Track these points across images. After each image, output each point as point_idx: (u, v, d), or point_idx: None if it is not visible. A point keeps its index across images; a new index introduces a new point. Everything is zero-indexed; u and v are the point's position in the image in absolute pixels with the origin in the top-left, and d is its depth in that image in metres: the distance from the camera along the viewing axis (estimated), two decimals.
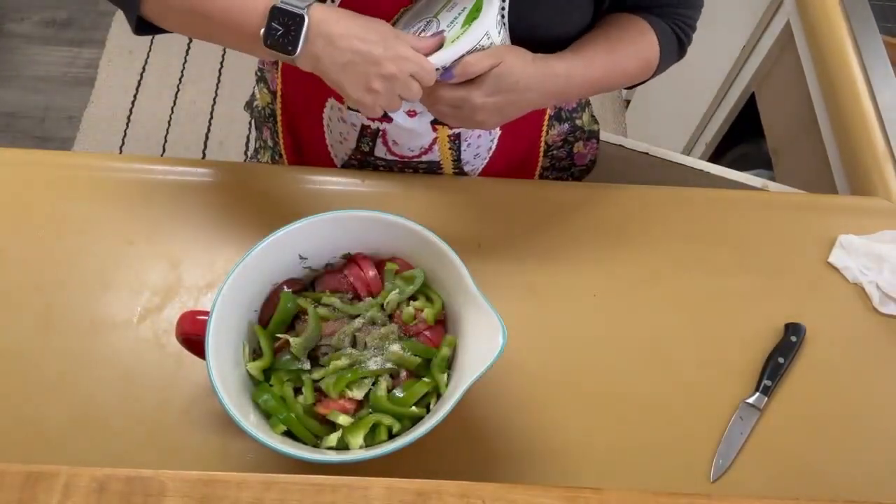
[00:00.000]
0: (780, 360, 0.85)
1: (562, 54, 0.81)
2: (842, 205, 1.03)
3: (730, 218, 0.98)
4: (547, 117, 1.01)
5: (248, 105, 1.13)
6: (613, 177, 1.16)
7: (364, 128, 0.94)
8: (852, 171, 1.08)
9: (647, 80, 0.91)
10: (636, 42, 0.85)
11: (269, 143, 1.11)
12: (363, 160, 1.00)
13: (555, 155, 1.07)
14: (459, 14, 0.76)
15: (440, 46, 0.74)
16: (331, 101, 0.94)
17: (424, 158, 0.98)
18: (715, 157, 1.72)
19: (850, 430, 0.83)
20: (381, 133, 0.95)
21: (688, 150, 1.82)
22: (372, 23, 0.72)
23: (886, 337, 0.90)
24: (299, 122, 1.03)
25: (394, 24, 0.78)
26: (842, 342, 0.89)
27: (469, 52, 0.74)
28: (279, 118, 1.04)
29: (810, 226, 0.98)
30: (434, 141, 0.95)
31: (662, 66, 0.89)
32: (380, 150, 0.97)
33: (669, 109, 1.94)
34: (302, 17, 0.67)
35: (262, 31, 0.68)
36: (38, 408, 0.79)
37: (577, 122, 1.05)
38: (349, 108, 0.93)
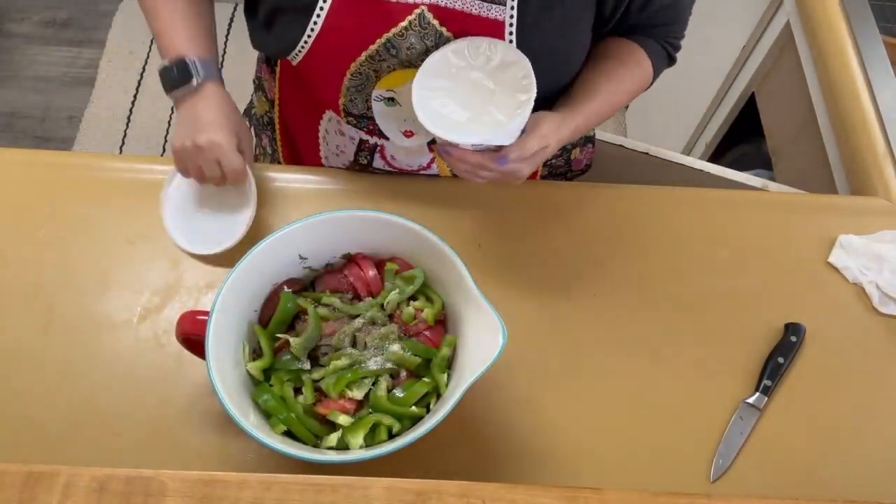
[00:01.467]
0: (780, 360, 0.85)
1: (576, 105, 0.86)
2: (842, 205, 1.03)
3: (730, 218, 0.98)
4: None
5: (247, 113, 1.13)
6: (613, 177, 1.15)
7: (362, 142, 0.94)
8: (852, 171, 1.08)
9: None
10: (634, 72, 0.91)
11: (268, 149, 1.11)
12: (362, 171, 1.00)
13: (553, 164, 1.06)
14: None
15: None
16: (328, 114, 0.94)
17: (423, 174, 0.98)
18: (715, 157, 1.72)
19: (849, 430, 0.83)
20: (379, 148, 0.95)
21: (688, 150, 1.82)
22: (229, 118, 0.86)
23: (886, 337, 0.90)
24: (296, 131, 1.03)
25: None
26: (842, 342, 0.89)
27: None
28: (277, 126, 1.04)
29: (810, 226, 0.98)
30: (433, 160, 0.95)
31: (654, 81, 0.95)
32: (378, 163, 0.97)
33: (669, 109, 1.94)
34: (191, 81, 0.83)
35: (164, 63, 0.84)
36: (38, 408, 0.79)
37: None
38: (348, 123, 0.92)
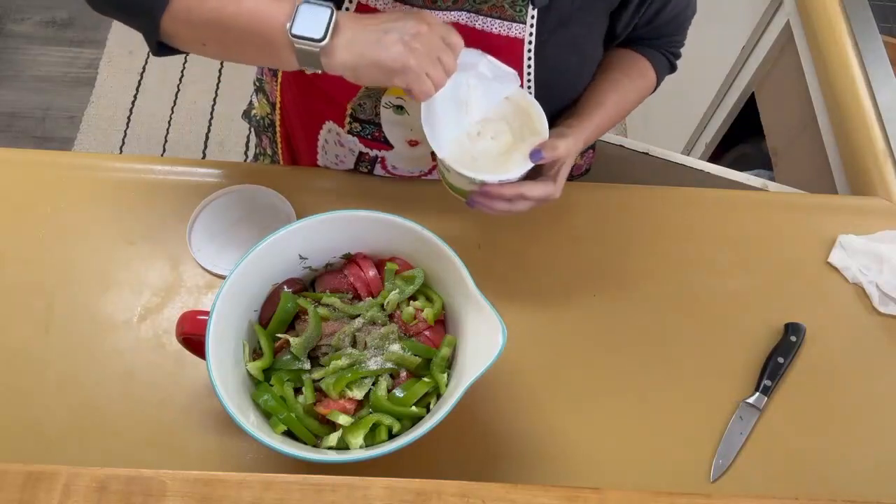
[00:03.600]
0: (780, 360, 0.85)
1: (585, 118, 0.86)
2: (842, 205, 1.03)
3: (730, 218, 0.98)
4: None
5: (246, 114, 1.13)
6: (613, 177, 1.16)
7: (362, 154, 0.94)
8: (852, 171, 1.08)
9: None
10: (638, 83, 0.93)
11: (269, 151, 1.11)
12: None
13: None
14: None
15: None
16: (328, 124, 0.93)
17: (423, 179, 0.99)
18: (715, 157, 1.72)
19: (849, 430, 0.83)
20: (380, 159, 0.95)
21: (688, 150, 1.82)
22: (395, 9, 0.73)
23: (886, 337, 0.90)
24: (295, 137, 1.03)
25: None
26: (842, 342, 0.89)
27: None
28: (278, 129, 1.04)
29: (810, 226, 0.98)
30: (434, 168, 0.96)
31: (657, 88, 0.97)
32: (378, 173, 0.97)
33: (669, 109, 1.94)
34: (328, 8, 0.67)
35: (289, 23, 0.67)
36: (38, 408, 0.79)
37: None
38: (348, 133, 0.91)
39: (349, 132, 0.92)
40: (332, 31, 0.66)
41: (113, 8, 0.74)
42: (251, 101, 1.11)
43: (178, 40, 0.74)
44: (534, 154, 0.77)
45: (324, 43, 0.66)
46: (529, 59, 0.81)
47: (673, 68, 0.97)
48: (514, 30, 0.78)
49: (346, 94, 0.86)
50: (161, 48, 0.75)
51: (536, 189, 0.79)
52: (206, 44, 0.73)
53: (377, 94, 0.85)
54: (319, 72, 0.70)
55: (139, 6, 0.72)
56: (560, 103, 0.88)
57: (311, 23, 0.66)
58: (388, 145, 0.91)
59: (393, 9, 0.76)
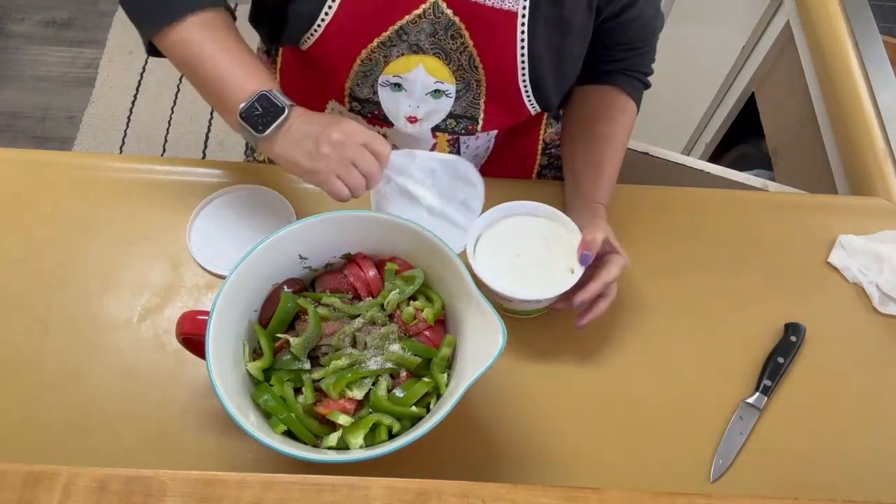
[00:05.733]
0: (780, 360, 0.85)
1: (597, 189, 0.90)
2: (842, 205, 1.03)
3: (730, 218, 0.98)
4: (545, 116, 1.01)
5: None
6: None
7: None
8: (852, 171, 1.08)
9: None
10: (622, 122, 0.95)
11: None
12: None
13: (553, 153, 1.07)
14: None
15: None
16: (331, 104, 0.94)
17: None
18: (715, 157, 1.72)
19: (849, 430, 0.83)
20: None
21: (688, 150, 1.82)
22: (330, 117, 0.78)
23: (886, 337, 0.90)
24: None
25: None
26: (842, 342, 0.89)
27: None
28: None
29: (810, 226, 0.98)
30: (434, 146, 0.95)
31: (638, 110, 0.99)
32: None
33: (669, 109, 1.94)
34: (283, 109, 0.75)
35: (243, 105, 0.75)
36: (38, 408, 0.79)
37: None
38: (350, 110, 0.93)
39: (350, 110, 0.93)
40: (274, 129, 0.75)
41: (125, 12, 0.82)
42: None
43: (167, 57, 0.82)
44: (584, 258, 0.80)
45: (264, 134, 0.75)
46: (523, 32, 0.81)
47: (646, 86, 0.99)
48: (508, 3, 0.79)
49: (342, 72, 0.87)
50: (152, 51, 0.82)
51: (614, 270, 0.82)
52: (182, 73, 0.81)
53: (374, 73, 0.85)
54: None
55: (135, 19, 0.81)
56: (552, 83, 0.89)
57: (261, 115, 0.75)
58: (388, 123, 0.92)
59: (331, 112, 0.84)
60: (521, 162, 1.06)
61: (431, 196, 0.82)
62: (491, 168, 1.01)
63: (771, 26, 1.43)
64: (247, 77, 0.76)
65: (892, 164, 1.03)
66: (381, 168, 0.77)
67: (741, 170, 1.16)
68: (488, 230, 0.85)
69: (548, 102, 0.91)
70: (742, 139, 1.67)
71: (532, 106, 0.91)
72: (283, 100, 0.75)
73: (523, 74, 0.85)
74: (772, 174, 1.45)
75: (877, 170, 1.03)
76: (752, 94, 1.53)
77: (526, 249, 0.83)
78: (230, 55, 0.77)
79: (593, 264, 0.82)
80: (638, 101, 0.97)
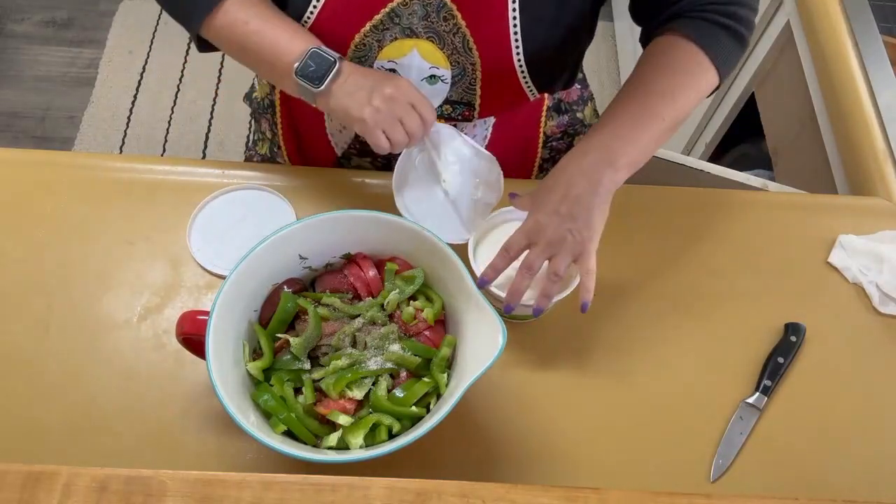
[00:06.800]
0: (780, 360, 0.85)
1: (614, 130, 0.78)
2: (842, 205, 1.03)
3: (730, 218, 0.98)
4: (545, 108, 1.01)
5: (248, 97, 1.14)
6: None
7: None
8: (852, 171, 1.08)
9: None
10: (688, 84, 0.79)
11: (268, 134, 1.11)
12: (361, 149, 1.01)
13: (554, 146, 1.06)
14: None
15: None
16: None
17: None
18: (715, 157, 1.72)
19: (849, 430, 0.83)
20: None
21: (688, 150, 1.82)
22: (385, 73, 0.81)
23: (886, 337, 0.90)
24: (298, 112, 1.03)
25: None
26: (842, 342, 0.89)
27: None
28: (278, 108, 1.04)
29: (810, 226, 0.98)
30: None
31: (725, 71, 0.81)
32: None
33: None
34: (335, 62, 0.78)
35: (298, 64, 0.78)
36: (38, 408, 0.79)
37: (578, 114, 1.05)
38: None
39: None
40: (329, 81, 0.78)
41: (165, 10, 0.86)
42: (253, 83, 1.12)
43: (217, 45, 0.85)
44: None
45: (321, 88, 0.78)
46: (514, 8, 0.80)
47: (740, 41, 0.80)
48: None
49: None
50: (202, 45, 0.87)
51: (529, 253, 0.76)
52: (233, 56, 0.85)
53: (369, 59, 0.86)
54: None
55: (178, 18, 0.84)
56: (548, 59, 0.86)
57: (315, 70, 0.78)
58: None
59: (382, 69, 0.86)
60: (522, 154, 1.05)
61: (453, 181, 0.85)
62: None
63: (771, 26, 1.43)
64: (293, 39, 0.79)
65: (892, 164, 1.03)
66: (424, 131, 0.80)
67: (741, 170, 1.16)
68: (487, 235, 0.85)
69: (546, 81, 0.90)
70: (742, 139, 1.66)
71: (529, 89, 0.90)
72: (332, 52, 0.79)
73: (517, 52, 0.83)
74: (772, 174, 1.45)
75: (877, 170, 1.03)
76: (752, 94, 1.53)
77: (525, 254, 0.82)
78: (272, 24, 0.80)
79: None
80: (719, 61, 0.79)
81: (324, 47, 0.79)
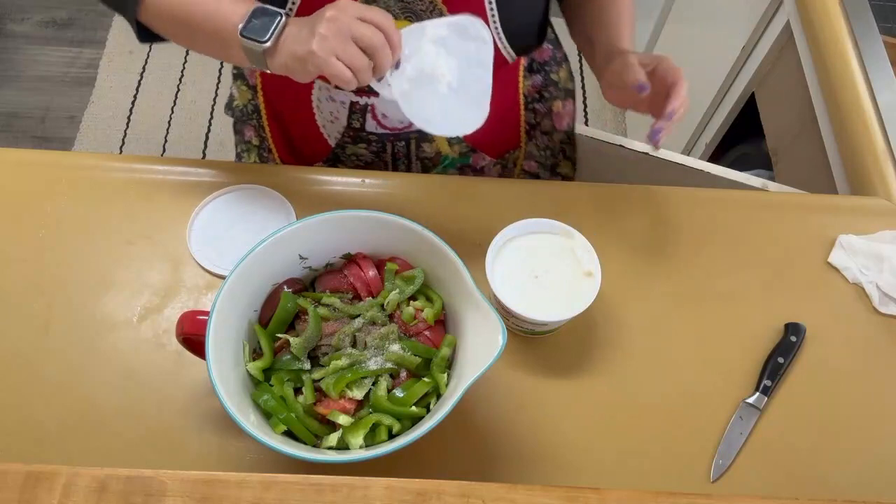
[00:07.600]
0: (780, 360, 0.85)
1: (621, 42, 0.91)
2: (842, 205, 1.03)
3: (730, 218, 0.98)
4: (522, 69, 1.02)
5: (228, 107, 1.13)
6: (613, 177, 1.16)
7: (353, 104, 0.96)
8: (852, 171, 1.08)
9: None
10: None
11: (255, 141, 1.11)
12: (356, 136, 1.01)
13: (536, 109, 1.08)
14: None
15: None
16: (318, 83, 0.95)
17: (414, 129, 0.99)
18: (715, 157, 1.72)
19: (849, 430, 0.83)
20: (369, 108, 0.96)
21: (688, 150, 1.82)
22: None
23: (886, 337, 0.90)
24: (285, 110, 1.03)
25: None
26: (842, 342, 0.89)
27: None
28: (263, 111, 1.04)
29: (810, 226, 0.98)
30: None
31: None
32: (370, 125, 0.98)
33: None
34: (280, 16, 0.74)
35: (241, 25, 0.74)
36: (38, 408, 0.79)
37: (552, 76, 1.07)
38: (336, 87, 0.94)
39: (336, 87, 0.94)
40: (276, 34, 0.73)
41: (104, 3, 0.84)
42: (231, 93, 1.11)
43: (156, 30, 0.82)
44: (653, 133, 0.81)
45: (267, 44, 0.73)
46: None
47: None
48: None
49: None
50: (143, 36, 0.84)
51: (679, 80, 0.80)
52: (175, 35, 0.81)
53: None
54: (268, 71, 0.76)
55: (114, 6, 0.82)
56: (522, 20, 0.90)
57: (260, 26, 0.73)
58: (373, 92, 0.91)
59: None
60: (505, 115, 1.06)
61: (449, 68, 0.77)
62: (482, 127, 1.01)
63: (771, 26, 1.43)
64: (235, 3, 0.76)
65: (892, 164, 1.03)
66: (384, 41, 0.71)
67: (741, 170, 1.16)
68: (503, 250, 0.83)
69: (521, 42, 0.92)
70: (742, 139, 1.66)
71: (507, 51, 0.91)
72: (276, 9, 0.74)
73: (493, 19, 0.86)
74: (772, 174, 1.45)
75: (877, 170, 1.03)
76: (752, 94, 1.53)
77: (543, 270, 0.82)
78: None
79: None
80: None
81: (267, 6, 0.74)
